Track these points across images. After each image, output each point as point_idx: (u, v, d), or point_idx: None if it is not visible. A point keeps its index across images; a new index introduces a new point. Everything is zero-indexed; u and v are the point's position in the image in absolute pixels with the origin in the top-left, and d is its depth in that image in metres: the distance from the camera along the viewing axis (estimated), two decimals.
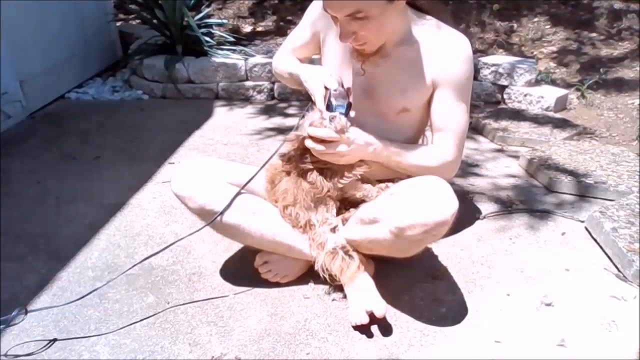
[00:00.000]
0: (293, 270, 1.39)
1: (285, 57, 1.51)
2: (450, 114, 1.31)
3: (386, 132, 1.32)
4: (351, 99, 1.26)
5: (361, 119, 1.28)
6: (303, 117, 1.30)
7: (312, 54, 1.53)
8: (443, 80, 1.28)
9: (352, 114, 1.25)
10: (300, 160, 1.29)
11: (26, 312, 1.27)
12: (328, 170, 1.28)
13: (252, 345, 1.20)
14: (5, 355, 1.17)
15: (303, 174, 1.30)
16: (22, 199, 1.91)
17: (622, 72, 3.05)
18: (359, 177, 1.29)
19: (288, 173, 1.32)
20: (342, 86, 1.27)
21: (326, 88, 1.24)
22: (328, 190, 1.28)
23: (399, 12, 1.21)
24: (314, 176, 1.28)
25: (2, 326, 1.23)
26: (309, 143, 1.22)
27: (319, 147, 1.21)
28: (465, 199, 1.84)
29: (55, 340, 1.22)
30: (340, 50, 1.35)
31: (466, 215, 1.70)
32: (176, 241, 1.43)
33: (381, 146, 1.29)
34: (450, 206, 1.08)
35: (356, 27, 1.16)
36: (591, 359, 1.15)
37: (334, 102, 1.22)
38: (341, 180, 1.27)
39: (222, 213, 1.27)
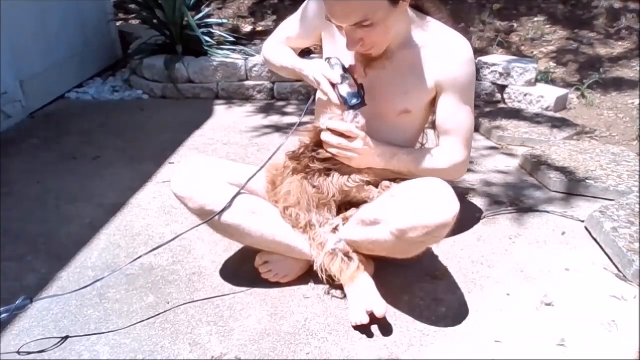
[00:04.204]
0: (293, 271, 1.39)
1: (279, 47, 1.49)
2: (456, 117, 1.32)
3: (386, 133, 1.33)
4: (360, 81, 1.24)
5: None
6: (311, 112, 1.29)
7: (305, 46, 1.52)
8: (447, 84, 1.28)
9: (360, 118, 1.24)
10: (309, 158, 1.28)
11: (31, 301, 1.26)
12: (336, 172, 1.28)
13: (252, 345, 1.20)
14: (19, 352, 1.18)
15: (308, 176, 1.29)
16: (22, 199, 1.91)
17: (621, 72, 3.05)
18: (365, 182, 1.29)
19: (292, 173, 1.32)
20: (345, 70, 1.25)
21: (333, 85, 1.23)
22: (333, 196, 1.28)
23: (402, 13, 1.22)
24: (320, 180, 1.28)
25: (5, 315, 1.21)
26: (327, 136, 1.22)
27: (338, 140, 1.21)
28: (465, 198, 1.84)
29: (67, 337, 1.22)
30: (342, 48, 1.34)
31: (466, 215, 1.70)
32: (172, 239, 1.42)
33: (390, 154, 1.31)
34: (451, 208, 1.09)
35: (362, 34, 1.16)
36: (591, 359, 1.15)
37: (349, 93, 1.21)
38: (347, 184, 1.27)
39: (221, 212, 1.27)
